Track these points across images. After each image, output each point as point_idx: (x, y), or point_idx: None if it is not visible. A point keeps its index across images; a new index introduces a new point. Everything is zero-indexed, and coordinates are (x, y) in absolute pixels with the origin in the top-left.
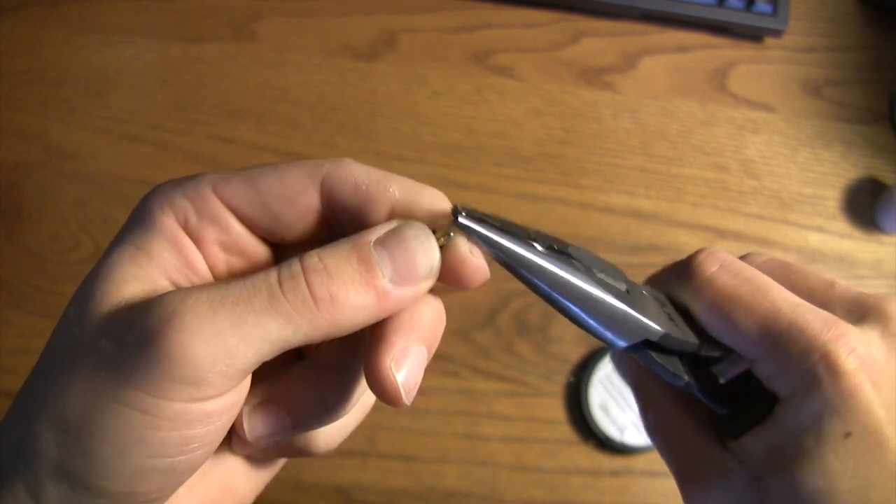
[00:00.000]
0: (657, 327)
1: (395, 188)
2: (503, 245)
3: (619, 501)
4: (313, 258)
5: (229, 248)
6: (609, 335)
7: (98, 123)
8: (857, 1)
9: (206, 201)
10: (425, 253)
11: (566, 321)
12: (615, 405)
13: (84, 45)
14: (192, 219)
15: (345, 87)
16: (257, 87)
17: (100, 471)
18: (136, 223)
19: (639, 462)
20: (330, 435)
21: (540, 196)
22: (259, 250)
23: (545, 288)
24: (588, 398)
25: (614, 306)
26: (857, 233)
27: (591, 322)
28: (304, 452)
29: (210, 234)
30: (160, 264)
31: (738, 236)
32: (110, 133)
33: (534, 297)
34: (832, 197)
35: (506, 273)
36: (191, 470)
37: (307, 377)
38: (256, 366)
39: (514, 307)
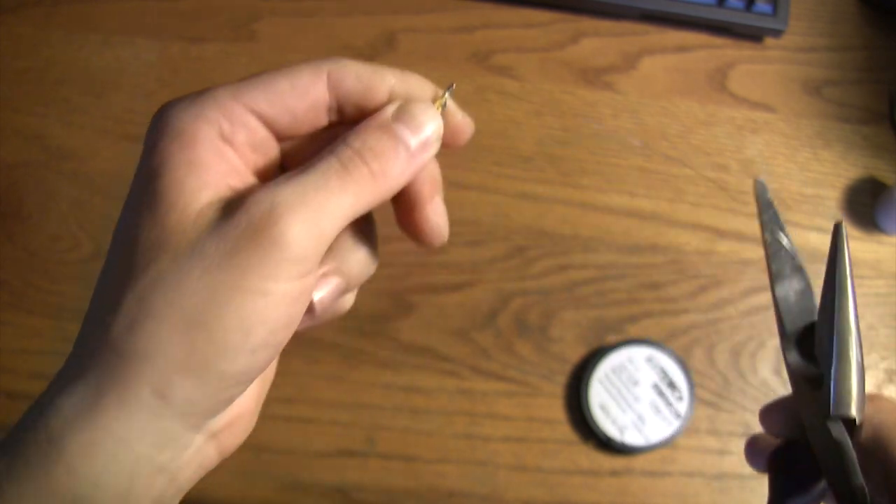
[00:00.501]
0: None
1: (390, 76)
2: None
3: (619, 501)
4: (358, 141)
5: (256, 148)
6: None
7: (98, 123)
8: (857, 1)
9: (234, 110)
10: (432, 120)
11: (566, 321)
12: (615, 405)
13: (84, 45)
14: (227, 127)
15: None
16: None
17: (227, 355)
18: (174, 141)
19: (639, 462)
20: (353, 294)
21: (540, 196)
22: (273, 146)
23: None
24: (588, 398)
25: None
26: (857, 233)
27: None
28: (338, 313)
29: (241, 138)
30: (217, 172)
31: (738, 236)
32: (110, 133)
33: (534, 297)
34: (832, 197)
35: (506, 273)
36: (284, 345)
37: (354, 240)
38: (333, 239)
39: (514, 307)
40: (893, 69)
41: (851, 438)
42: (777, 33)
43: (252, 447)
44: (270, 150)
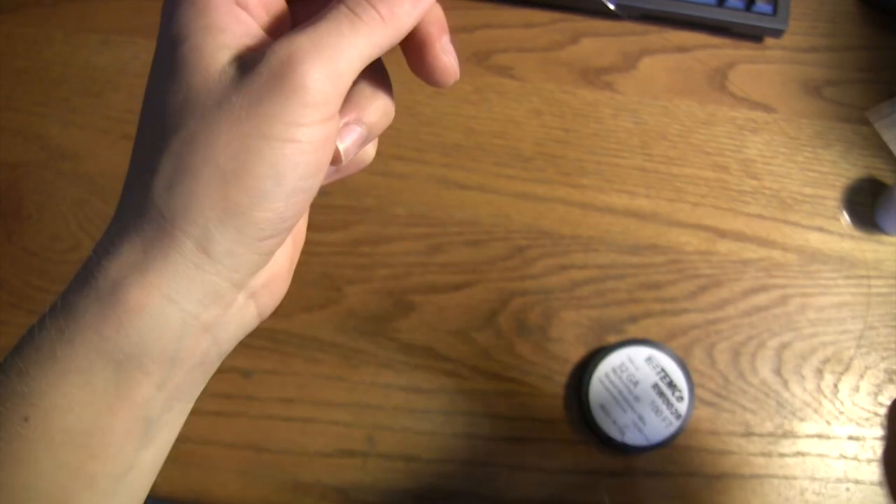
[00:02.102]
0: None
1: None
2: None
3: (619, 501)
4: None
5: (267, 8)
6: None
7: (98, 123)
8: (857, 1)
9: None
10: None
11: (566, 321)
12: (615, 405)
13: (84, 45)
14: None
15: None
16: None
17: (262, 203)
18: (191, 8)
19: (639, 462)
20: (374, 144)
21: (540, 196)
22: (282, 5)
23: None
24: (588, 398)
25: None
26: (857, 233)
27: None
28: (361, 165)
29: (253, 0)
30: (233, 34)
31: (739, 236)
32: (110, 133)
33: (534, 297)
34: (832, 197)
35: (506, 273)
36: (314, 193)
37: (372, 90)
38: (351, 83)
39: (514, 307)
40: (893, 69)
41: None
42: (777, 33)
43: (252, 447)
44: (281, 10)
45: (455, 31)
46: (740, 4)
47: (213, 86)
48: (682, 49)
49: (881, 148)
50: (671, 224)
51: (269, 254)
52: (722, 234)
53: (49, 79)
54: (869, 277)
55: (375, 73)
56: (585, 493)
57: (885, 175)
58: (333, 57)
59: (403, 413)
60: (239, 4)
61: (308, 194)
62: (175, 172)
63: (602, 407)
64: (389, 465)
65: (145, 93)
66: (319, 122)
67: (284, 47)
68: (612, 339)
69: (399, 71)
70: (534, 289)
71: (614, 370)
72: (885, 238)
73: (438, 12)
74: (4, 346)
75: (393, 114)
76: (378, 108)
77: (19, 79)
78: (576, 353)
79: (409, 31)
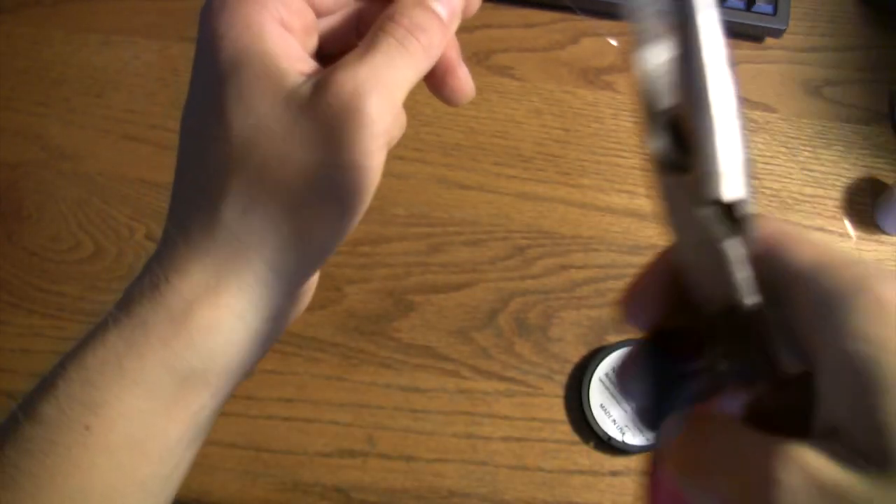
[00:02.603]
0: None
1: None
2: None
3: (619, 501)
4: (406, 19)
5: (307, 31)
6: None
7: (98, 123)
8: (857, 1)
9: (291, 1)
10: None
11: (566, 321)
12: (615, 405)
13: (84, 45)
14: (286, 16)
15: None
16: None
17: (328, 227)
18: (244, 33)
19: (639, 462)
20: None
21: (540, 196)
22: (316, 26)
23: None
24: (588, 398)
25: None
26: (857, 233)
27: None
28: None
29: (297, 24)
30: (288, 59)
31: None
32: (110, 133)
33: (534, 297)
34: (832, 197)
35: (506, 273)
36: (363, 213)
37: None
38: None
39: (514, 307)
40: (893, 69)
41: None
42: (777, 33)
43: (252, 447)
44: (314, 33)
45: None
46: (740, 4)
47: (281, 113)
48: None
49: (881, 148)
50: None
51: (320, 268)
52: None
53: (49, 79)
54: None
55: None
56: (585, 493)
57: (885, 175)
58: (391, 88)
59: (403, 413)
60: (288, 30)
61: (361, 215)
62: (249, 200)
63: (602, 407)
64: (389, 465)
65: (192, 108)
66: (380, 148)
67: (349, 80)
68: (612, 339)
69: None
70: (534, 289)
71: (614, 370)
72: (885, 238)
73: (454, 37)
74: (4, 346)
75: (404, 127)
76: (401, 126)
77: (19, 79)
78: (576, 353)
79: (439, 56)
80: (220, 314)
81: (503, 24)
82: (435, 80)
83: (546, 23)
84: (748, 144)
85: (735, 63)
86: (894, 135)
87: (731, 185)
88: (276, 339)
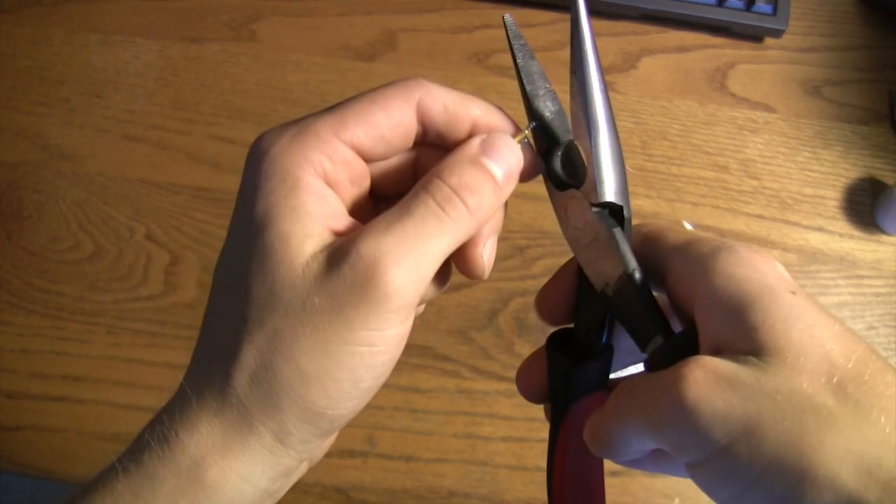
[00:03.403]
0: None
1: (475, 108)
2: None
3: (619, 501)
4: (454, 177)
5: (354, 182)
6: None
7: (98, 123)
8: (857, 1)
9: (336, 149)
10: (516, 155)
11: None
12: None
13: (84, 44)
14: (329, 168)
15: (345, 87)
16: (257, 87)
17: (339, 404)
18: (280, 185)
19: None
20: (422, 306)
21: (540, 196)
22: (367, 175)
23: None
24: None
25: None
26: (857, 233)
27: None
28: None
29: (342, 176)
30: (320, 217)
31: (739, 236)
32: (110, 133)
33: (533, 297)
34: (832, 197)
35: (506, 273)
36: (381, 385)
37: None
38: (430, 280)
39: (514, 307)
40: (893, 69)
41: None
42: (777, 33)
43: None
44: (365, 181)
45: (455, 31)
46: (740, 4)
47: (297, 281)
48: (682, 49)
49: (881, 148)
50: (671, 224)
51: (334, 434)
52: (722, 233)
53: (49, 79)
54: (869, 277)
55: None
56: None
57: (885, 175)
58: (419, 259)
59: (403, 413)
60: (329, 183)
61: (378, 388)
62: (257, 368)
63: None
64: (389, 465)
65: (225, 253)
66: (400, 323)
67: (370, 250)
68: None
69: (399, 70)
70: (534, 289)
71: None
72: (885, 238)
73: (499, 211)
74: (4, 346)
75: (448, 284)
76: (438, 289)
77: (19, 79)
78: None
79: (488, 221)
80: (226, 476)
81: (503, 24)
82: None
83: (546, 23)
84: (624, 169)
85: (735, 63)
86: (894, 135)
87: (614, 193)
88: (289, 487)
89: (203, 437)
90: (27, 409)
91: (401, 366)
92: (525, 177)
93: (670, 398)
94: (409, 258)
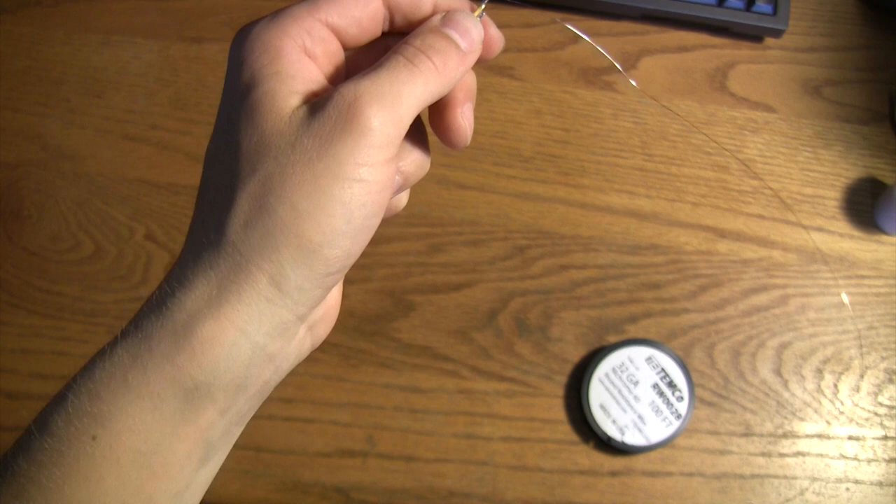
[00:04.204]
0: None
1: None
2: None
3: (619, 501)
4: (418, 41)
5: (330, 59)
6: None
7: (98, 123)
8: (857, 1)
9: (313, 25)
10: (476, 27)
11: (566, 321)
12: (615, 405)
13: (84, 45)
14: (308, 42)
15: None
16: None
17: (333, 240)
18: (263, 55)
19: (639, 462)
20: (406, 193)
21: (540, 196)
22: (342, 55)
23: None
24: (588, 398)
25: None
26: (857, 233)
27: None
28: (392, 213)
29: (320, 51)
30: (302, 81)
31: (739, 236)
32: (110, 133)
33: (534, 297)
34: (832, 197)
35: (506, 273)
36: (374, 231)
37: (410, 142)
38: (408, 126)
39: (514, 307)
40: (893, 69)
41: None
42: (777, 33)
43: (252, 447)
44: (340, 60)
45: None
46: (740, 4)
47: (285, 128)
48: (682, 49)
49: (881, 148)
50: (671, 224)
51: (331, 288)
52: (722, 234)
53: (49, 79)
54: (869, 277)
55: (414, 129)
56: (585, 493)
57: (885, 175)
58: (394, 101)
59: (403, 413)
60: (307, 54)
61: (371, 232)
62: (251, 211)
63: (602, 407)
64: (389, 465)
65: (214, 133)
66: (383, 162)
67: (350, 91)
68: (612, 339)
69: None
70: (534, 289)
71: (614, 370)
72: (885, 238)
73: (470, 80)
74: (4, 346)
75: (428, 167)
76: (415, 161)
77: (19, 79)
78: (576, 353)
79: (456, 84)
80: (222, 326)
81: (503, 24)
82: (432, 115)
83: (546, 23)
84: None
85: (735, 63)
86: (894, 135)
87: None
88: (287, 364)
89: (199, 291)
90: (27, 409)
91: (401, 366)
92: (488, 49)
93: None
94: (385, 98)
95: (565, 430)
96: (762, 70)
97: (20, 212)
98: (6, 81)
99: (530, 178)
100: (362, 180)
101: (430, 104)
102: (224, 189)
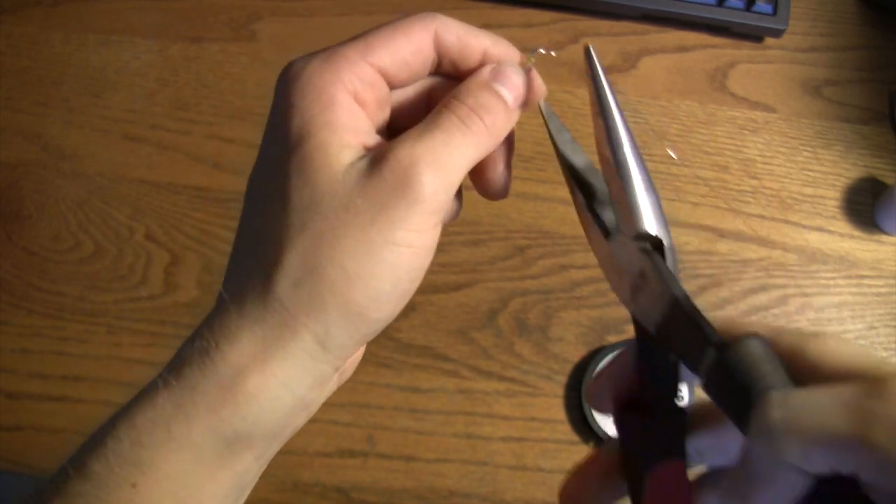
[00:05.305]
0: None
1: (485, 39)
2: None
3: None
4: (471, 99)
5: (380, 104)
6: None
7: (98, 123)
8: (857, 1)
9: (364, 70)
10: (523, 81)
11: (566, 321)
12: None
13: (84, 45)
14: (359, 88)
15: None
16: (257, 87)
17: (379, 304)
18: (315, 102)
19: None
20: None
21: (540, 196)
22: (389, 99)
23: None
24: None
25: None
26: (857, 233)
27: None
28: None
29: (370, 97)
30: (353, 132)
31: (739, 236)
32: (110, 133)
33: (534, 297)
34: (832, 197)
35: (506, 273)
36: (413, 292)
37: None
38: (457, 188)
39: (514, 307)
40: (893, 69)
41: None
42: (777, 33)
43: None
44: (387, 106)
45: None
46: (740, 4)
47: (338, 187)
48: (682, 49)
49: (881, 148)
50: (671, 224)
51: (368, 341)
52: (722, 234)
53: (49, 79)
54: (869, 277)
55: None
56: None
57: (885, 175)
58: (448, 166)
59: (403, 413)
60: (358, 101)
61: (412, 293)
62: (301, 271)
63: None
64: (389, 465)
65: (258, 169)
66: (433, 226)
67: (406, 155)
68: (612, 339)
69: None
70: (534, 289)
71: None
72: (885, 238)
73: (512, 136)
74: (4, 346)
75: (459, 212)
76: (451, 211)
77: (19, 79)
78: (576, 353)
79: (502, 140)
80: (267, 382)
81: (503, 24)
82: (476, 167)
83: (546, 23)
84: (658, 198)
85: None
86: (894, 135)
87: (652, 225)
88: (317, 406)
89: (244, 345)
90: (27, 409)
91: (401, 366)
92: (532, 101)
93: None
94: (439, 164)
95: (565, 430)
96: (762, 70)
97: (20, 212)
98: (6, 81)
99: (530, 178)
100: (412, 245)
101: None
102: (272, 241)
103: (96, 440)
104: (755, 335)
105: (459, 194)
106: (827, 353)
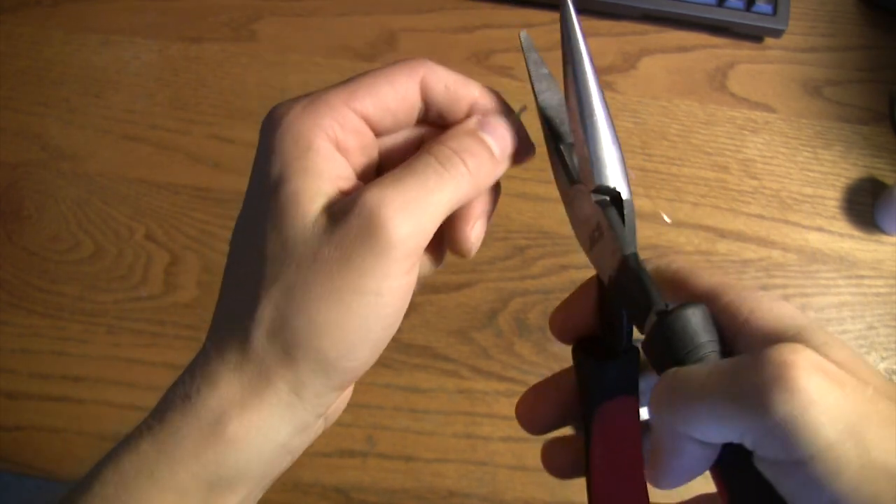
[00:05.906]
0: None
1: (475, 89)
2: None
3: None
4: (454, 142)
5: (363, 151)
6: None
7: (98, 123)
8: (857, 1)
9: (346, 117)
10: (510, 133)
11: None
12: None
13: (84, 44)
14: (341, 134)
15: None
16: (257, 87)
17: (352, 355)
18: (293, 147)
19: None
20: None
21: (540, 196)
22: (375, 146)
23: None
24: None
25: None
26: (857, 233)
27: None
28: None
29: (352, 143)
30: (329, 178)
31: (739, 236)
32: (110, 133)
33: (534, 297)
34: (832, 197)
35: (506, 273)
36: (390, 338)
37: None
38: (432, 234)
39: (514, 307)
40: (893, 69)
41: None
42: (777, 33)
43: None
44: (373, 151)
45: (455, 31)
46: (740, 4)
47: (308, 235)
48: (682, 49)
49: (881, 148)
50: (671, 224)
51: (347, 388)
52: (722, 234)
53: (49, 79)
54: (869, 277)
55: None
56: (585, 493)
57: (885, 175)
58: (420, 210)
59: (403, 413)
60: (339, 147)
61: (388, 340)
62: (274, 323)
63: None
64: (389, 465)
65: (244, 212)
66: (404, 273)
67: (373, 199)
68: None
69: None
70: (534, 289)
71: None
72: (885, 238)
73: (493, 193)
74: (4, 346)
75: (440, 266)
76: (431, 261)
77: (19, 79)
78: None
79: (484, 192)
80: (246, 430)
81: (503, 24)
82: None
83: (546, 23)
84: (621, 153)
85: (735, 63)
86: (894, 135)
87: (608, 177)
88: (303, 449)
89: (223, 392)
90: (27, 409)
91: (401, 366)
92: (518, 157)
93: (780, 384)
94: (409, 208)
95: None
96: (762, 70)
97: (20, 212)
98: (6, 81)
99: (530, 178)
100: (381, 294)
101: (458, 208)
102: (248, 293)
103: (84, 484)
104: (697, 304)
105: (442, 245)
106: (757, 313)
